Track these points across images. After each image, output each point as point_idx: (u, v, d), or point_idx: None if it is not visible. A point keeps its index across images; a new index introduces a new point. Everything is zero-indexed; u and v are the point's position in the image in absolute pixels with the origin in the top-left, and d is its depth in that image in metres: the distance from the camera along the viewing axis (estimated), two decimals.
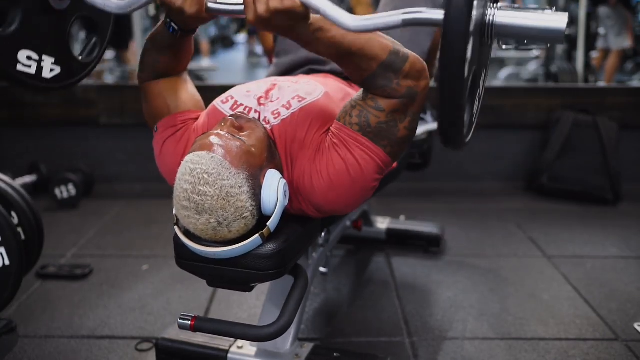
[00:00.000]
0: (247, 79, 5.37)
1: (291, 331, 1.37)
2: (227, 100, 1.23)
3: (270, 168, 1.08)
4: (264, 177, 1.05)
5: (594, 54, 5.07)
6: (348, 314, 1.80)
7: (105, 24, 1.29)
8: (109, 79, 5.75)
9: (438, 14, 0.90)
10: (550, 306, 1.84)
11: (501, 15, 0.91)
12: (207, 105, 1.28)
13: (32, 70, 1.13)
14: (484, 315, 1.78)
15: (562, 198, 2.92)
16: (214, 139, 1.03)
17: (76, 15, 1.20)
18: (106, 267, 2.12)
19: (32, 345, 1.61)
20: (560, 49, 5.13)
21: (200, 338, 1.43)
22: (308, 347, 1.42)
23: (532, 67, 5.89)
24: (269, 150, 1.09)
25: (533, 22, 0.90)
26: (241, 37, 9.40)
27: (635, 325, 1.70)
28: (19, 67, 1.10)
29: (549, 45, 0.96)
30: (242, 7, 0.99)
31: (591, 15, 4.70)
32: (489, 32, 0.92)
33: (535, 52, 6.30)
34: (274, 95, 1.21)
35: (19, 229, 1.67)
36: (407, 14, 0.92)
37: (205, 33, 6.71)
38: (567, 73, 4.42)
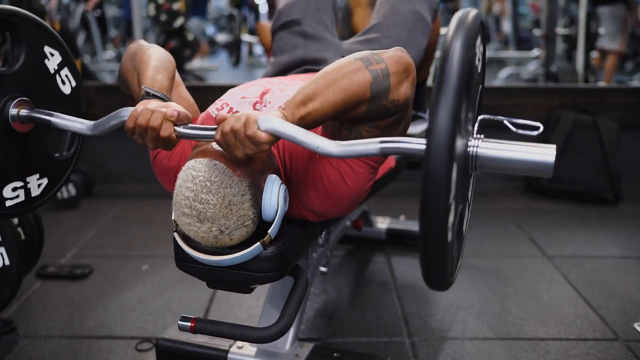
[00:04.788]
0: (246, 79, 5.37)
1: (291, 331, 1.37)
2: (222, 108, 1.21)
3: (270, 173, 1.06)
4: (265, 182, 1.04)
5: (594, 54, 5.07)
6: (348, 314, 1.80)
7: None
8: (109, 79, 5.75)
9: (418, 145, 0.84)
10: (550, 306, 1.84)
11: (485, 147, 0.86)
12: (206, 106, 1.26)
13: (22, 198, 1.07)
14: (484, 315, 1.78)
15: (562, 198, 2.92)
16: (216, 145, 1.01)
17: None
18: (106, 267, 2.12)
19: (32, 345, 1.61)
20: (560, 48, 5.13)
21: (200, 338, 1.43)
22: (308, 347, 1.42)
23: (532, 67, 5.89)
24: (267, 155, 1.08)
25: (519, 155, 0.85)
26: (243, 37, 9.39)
27: (635, 325, 1.70)
28: (8, 203, 1.04)
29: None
30: (213, 133, 0.97)
31: (591, 15, 4.69)
32: (472, 165, 0.87)
33: (535, 52, 6.31)
34: (267, 99, 1.20)
35: (19, 229, 1.67)
36: (384, 142, 0.87)
37: (205, 34, 6.71)
38: (567, 73, 4.41)
